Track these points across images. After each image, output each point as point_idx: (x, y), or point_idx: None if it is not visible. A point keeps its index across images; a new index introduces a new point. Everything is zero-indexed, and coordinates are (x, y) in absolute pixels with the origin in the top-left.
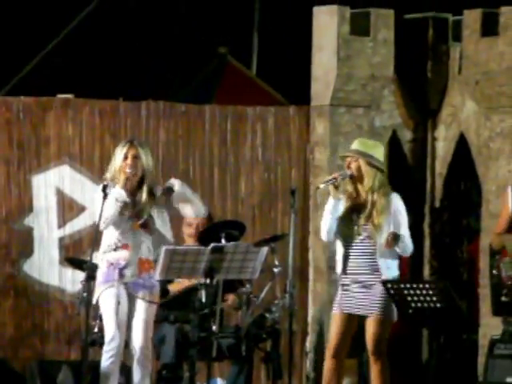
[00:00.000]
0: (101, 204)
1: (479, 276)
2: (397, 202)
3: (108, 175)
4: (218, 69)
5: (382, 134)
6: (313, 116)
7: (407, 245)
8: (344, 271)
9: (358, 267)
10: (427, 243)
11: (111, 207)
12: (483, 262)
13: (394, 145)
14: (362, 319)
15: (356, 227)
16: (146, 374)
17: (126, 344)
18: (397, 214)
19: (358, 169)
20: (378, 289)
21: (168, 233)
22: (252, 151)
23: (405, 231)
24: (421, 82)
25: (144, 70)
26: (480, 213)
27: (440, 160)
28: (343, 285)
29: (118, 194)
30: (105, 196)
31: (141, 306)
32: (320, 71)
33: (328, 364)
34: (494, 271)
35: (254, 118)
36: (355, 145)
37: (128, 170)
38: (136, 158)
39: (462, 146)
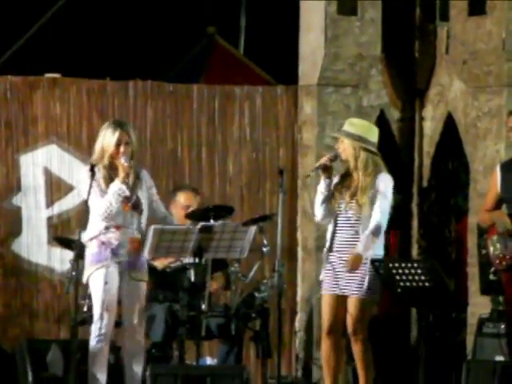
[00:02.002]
0: (88, 183)
1: (467, 255)
2: (381, 181)
3: (95, 157)
4: (205, 49)
5: (369, 114)
6: (301, 95)
7: (371, 243)
8: (330, 249)
9: (343, 245)
10: (415, 223)
11: (114, 202)
12: (471, 241)
13: (381, 124)
14: (346, 298)
15: (344, 204)
16: (140, 354)
17: (116, 323)
18: (377, 191)
19: (345, 149)
20: (361, 268)
21: (162, 209)
22: (240, 131)
23: (378, 205)
24: (408, 62)
25: (132, 49)
26: (468, 192)
27: (428, 139)
28: (329, 263)
29: (119, 189)
30: (92, 175)
31: (133, 285)
32: (307, 51)
33: (324, 344)
34: (483, 250)
35: (241, 98)
36: (345, 126)
37: (125, 163)
38: (128, 144)
39: (449, 126)
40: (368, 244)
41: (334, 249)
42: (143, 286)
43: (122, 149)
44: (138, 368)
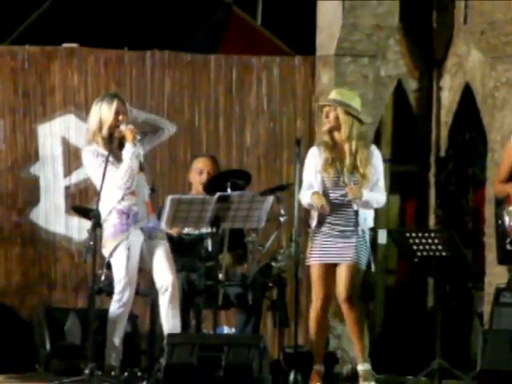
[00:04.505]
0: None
1: (484, 225)
2: (376, 155)
3: (91, 131)
4: (223, 19)
5: (387, 84)
6: (318, 66)
7: (374, 200)
8: (323, 222)
9: (337, 217)
10: (432, 193)
11: (134, 165)
12: (488, 211)
13: (399, 94)
14: (336, 266)
15: (341, 177)
16: (176, 312)
17: (136, 292)
18: (376, 166)
19: (336, 118)
20: (355, 238)
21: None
22: (257, 101)
23: (381, 184)
24: (426, 32)
25: (149, 19)
26: (485, 162)
27: (445, 110)
28: (321, 235)
29: (135, 151)
30: (111, 142)
31: (161, 247)
32: (325, 21)
33: (315, 316)
34: (500, 221)
35: (259, 68)
36: (333, 94)
37: (129, 126)
38: (124, 114)
39: (467, 96)
40: (370, 198)
41: (327, 221)
42: (167, 246)
43: (120, 118)
44: (175, 320)
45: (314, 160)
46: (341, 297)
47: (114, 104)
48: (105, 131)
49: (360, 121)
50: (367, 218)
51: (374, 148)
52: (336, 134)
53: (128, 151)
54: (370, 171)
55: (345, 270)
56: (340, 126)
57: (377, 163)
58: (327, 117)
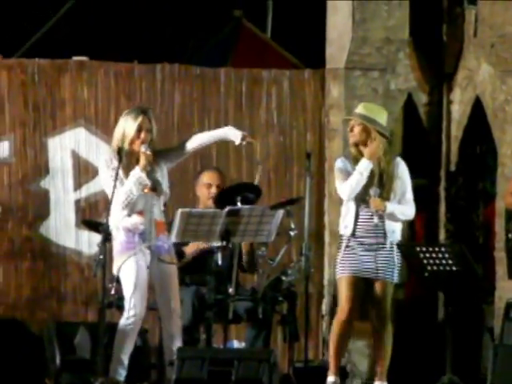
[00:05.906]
0: (116, 168)
1: (495, 239)
2: (402, 168)
3: (115, 142)
4: (232, 32)
5: (397, 98)
6: (328, 79)
7: (400, 213)
8: (353, 234)
9: (366, 230)
10: (443, 207)
11: (135, 190)
12: (499, 226)
13: (409, 108)
14: (367, 282)
15: (367, 190)
16: (178, 333)
17: (150, 308)
18: (403, 179)
19: (360, 132)
20: (384, 252)
21: (167, 188)
22: (267, 115)
23: (408, 196)
24: (436, 45)
25: (159, 32)
26: (495, 176)
27: (455, 123)
28: (349, 247)
29: (140, 177)
30: (120, 159)
31: (167, 268)
32: (335, 34)
33: (339, 328)
34: (510, 235)
35: (269, 82)
36: (359, 109)
37: (147, 151)
38: (148, 131)
39: (477, 109)
40: (395, 210)
41: (357, 233)
42: (174, 269)
43: (142, 135)
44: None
45: (346, 164)
46: (374, 313)
47: (139, 120)
48: (125, 145)
49: (385, 136)
50: (395, 231)
51: (399, 160)
52: (362, 148)
53: (133, 175)
54: (395, 185)
55: (377, 287)
56: (366, 141)
57: (403, 175)
58: (352, 131)
